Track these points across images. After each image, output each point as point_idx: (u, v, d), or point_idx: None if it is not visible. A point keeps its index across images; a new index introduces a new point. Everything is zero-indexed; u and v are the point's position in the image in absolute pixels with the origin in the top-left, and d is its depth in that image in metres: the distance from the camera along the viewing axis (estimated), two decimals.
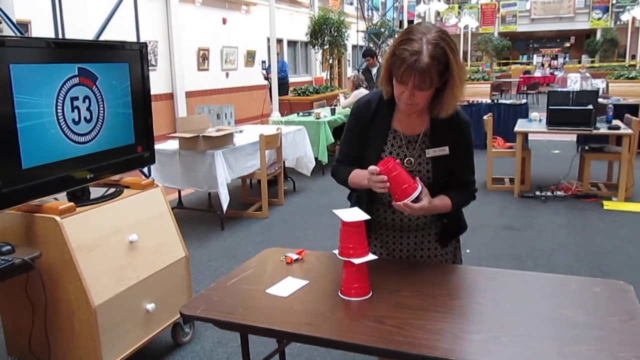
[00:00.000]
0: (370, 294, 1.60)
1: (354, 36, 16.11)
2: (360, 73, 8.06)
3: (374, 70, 8.36)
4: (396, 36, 1.68)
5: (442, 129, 1.73)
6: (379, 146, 1.76)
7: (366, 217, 1.59)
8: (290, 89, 11.62)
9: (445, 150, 1.75)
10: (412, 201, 1.61)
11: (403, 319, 1.45)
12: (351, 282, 1.59)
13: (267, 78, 10.89)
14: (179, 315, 1.95)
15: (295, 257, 1.91)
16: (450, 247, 1.89)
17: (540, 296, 1.59)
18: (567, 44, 31.11)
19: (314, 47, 13.57)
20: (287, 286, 1.69)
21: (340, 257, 1.59)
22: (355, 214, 1.60)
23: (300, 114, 7.72)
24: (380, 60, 9.10)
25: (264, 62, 11.19)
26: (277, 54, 10.37)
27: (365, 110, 1.78)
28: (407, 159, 1.75)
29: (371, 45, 15.48)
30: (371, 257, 1.59)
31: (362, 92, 6.81)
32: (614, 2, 25.79)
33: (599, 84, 8.76)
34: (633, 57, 24.63)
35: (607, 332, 1.38)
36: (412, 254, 1.87)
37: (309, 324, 1.45)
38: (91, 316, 2.20)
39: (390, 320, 1.45)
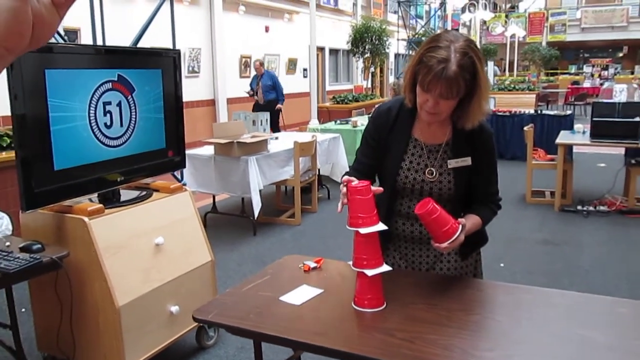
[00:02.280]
0: (384, 306, 1.57)
1: (395, 44, 16.02)
2: (400, 80, 8.01)
3: None
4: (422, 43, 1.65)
5: (465, 139, 1.69)
6: (399, 155, 1.73)
7: (383, 227, 1.57)
8: (329, 96, 11.45)
9: (467, 161, 1.71)
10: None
11: (414, 333, 1.41)
12: (364, 293, 1.57)
13: (251, 95, 9.97)
14: None
15: (313, 265, 1.90)
16: (470, 260, 1.84)
17: (561, 315, 1.53)
18: (620, 54, 30.03)
19: (354, 55, 13.56)
20: (301, 294, 1.67)
21: (354, 268, 1.57)
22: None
23: (338, 121, 7.73)
24: None
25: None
26: (262, 65, 9.64)
27: (385, 118, 1.76)
28: (428, 169, 1.71)
29: (413, 53, 15.38)
30: (385, 268, 1.56)
31: None
32: None
33: None
34: None
35: (627, 355, 1.31)
36: (431, 266, 1.83)
37: (318, 334, 1.44)
38: (115, 315, 2.25)
39: (400, 333, 1.41)
